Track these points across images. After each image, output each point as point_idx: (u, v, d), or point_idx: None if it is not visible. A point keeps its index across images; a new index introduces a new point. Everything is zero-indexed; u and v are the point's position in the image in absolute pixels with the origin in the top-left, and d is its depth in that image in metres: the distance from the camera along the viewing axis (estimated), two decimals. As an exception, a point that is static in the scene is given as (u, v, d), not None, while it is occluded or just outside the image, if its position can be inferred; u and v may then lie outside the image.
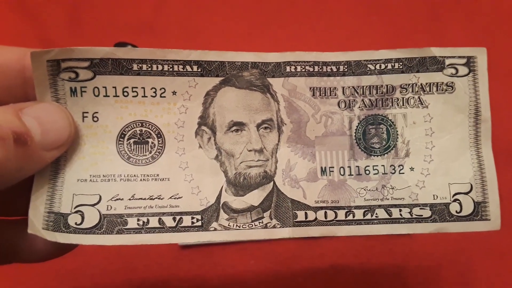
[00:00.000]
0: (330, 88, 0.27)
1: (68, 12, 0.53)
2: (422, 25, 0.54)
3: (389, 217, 0.27)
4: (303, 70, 0.27)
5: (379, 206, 0.27)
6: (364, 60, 0.27)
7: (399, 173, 0.27)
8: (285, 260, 0.46)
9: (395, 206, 0.27)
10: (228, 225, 0.26)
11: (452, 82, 0.27)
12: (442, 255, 0.47)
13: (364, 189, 0.27)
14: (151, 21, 0.53)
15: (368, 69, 0.27)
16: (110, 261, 0.45)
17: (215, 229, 0.25)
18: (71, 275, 0.45)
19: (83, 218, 0.24)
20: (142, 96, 0.25)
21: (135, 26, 0.53)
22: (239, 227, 0.26)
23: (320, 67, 0.27)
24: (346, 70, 0.27)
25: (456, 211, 0.27)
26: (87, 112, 0.25)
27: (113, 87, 0.25)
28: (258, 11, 0.54)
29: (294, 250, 0.46)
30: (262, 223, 0.26)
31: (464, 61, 0.27)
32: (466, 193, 0.27)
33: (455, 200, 0.27)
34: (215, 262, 0.46)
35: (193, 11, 0.54)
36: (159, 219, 0.25)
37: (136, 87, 0.25)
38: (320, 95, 0.27)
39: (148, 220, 0.25)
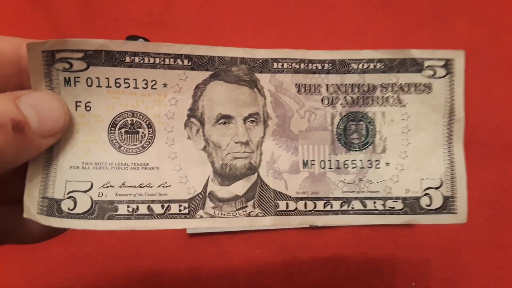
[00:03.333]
0: (315, 85, 0.28)
1: (81, 6, 0.53)
2: (427, 23, 0.54)
3: (364, 208, 0.28)
4: (290, 67, 0.28)
5: (355, 198, 0.28)
6: (348, 59, 0.28)
7: (376, 168, 0.29)
8: (290, 249, 0.48)
9: (370, 198, 0.29)
10: (214, 213, 0.27)
11: (430, 83, 0.28)
12: (445, 246, 0.48)
13: (342, 182, 0.29)
14: (163, 16, 0.54)
15: (351, 68, 0.28)
16: (120, 248, 0.47)
17: (201, 217, 0.27)
18: (80, 262, 0.46)
19: (75, 203, 0.25)
20: (134, 88, 0.26)
21: (147, 20, 0.53)
22: (224, 215, 0.27)
23: (306, 64, 0.28)
24: (330, 68, 0.28)
25: (426, 205, 0.29)
26: (80, 102, 0.26)
27: (106, 78, 0.26)
28: (267, 7, 0.55)
29: (299, 239, 0.48)
30: (246, 211, 0.28)
31: (442, 63, 0.28)
32: (437, 188, 0.29)
33: (425, 195, 0.29)
34: (222, 250, 0.47)
35: (204, 6, 0.54)
36: (148, 206, 0.26)
37: (128, 79, 0.26)
38: (305, 91, 0.28)
39: (137, 207, 0.26)
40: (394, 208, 0.28)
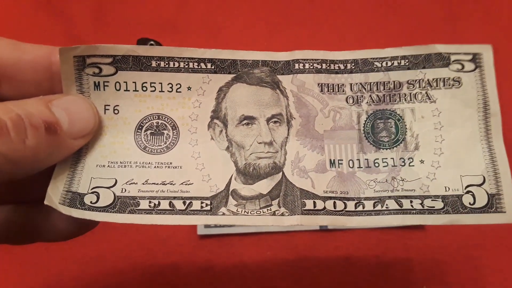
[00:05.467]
0: (338, 84, 0.28)
1: (93, 10, 0.57)
2: (439, 27, 0.55)
3: (400, 208, 0.26)
4: (311, 67, 0.28)
5: (389, 197, 0.27)
6: (371, 58, 0.28)
7: (409, 166, 0.27)
8: (301, 251, 0.47)
9: (406, 197, 0.27)
10: (237, 210, 0.26)
11: (459, 77, 0.27)
12: (457, 249, 0.46)
13: (374, 181, 0.27)
14: (174, 19, 0.56)
15: (375, 66, 0.28)
16: (131, 249, 0.47)
17: (224, 214, 0.26)
18: (93, 262, 0.47)
19: (98, 198, 0.25)
20: (160, 91, 0.27)
21: (158, 23, 0.55)
22: (247, 213, 0.26)
23: (328, 65, 0.28)
24: (353, 67, 0.28)
25: (470, 203, 0.26)
26: (108, 105, 0.27)
27: (133, 82, 0.27)
28: (277, 11, 0.56)
29: (310, 242, 0.47)
30: (271, 210, 0.26)
31: (469, 57, 0.27)
32: (479, 185, 0.26)
33: (468, 192, 0.26)
34: (233, 252, 0.47)
35: (215, 10, 0.56)
36: (170, 202, 0.26)
37: (154, 83, 0.27)
38: (328, 91, 0.28)
39: (159, 202, 0.26)
40: (433, 207, 0.26)
